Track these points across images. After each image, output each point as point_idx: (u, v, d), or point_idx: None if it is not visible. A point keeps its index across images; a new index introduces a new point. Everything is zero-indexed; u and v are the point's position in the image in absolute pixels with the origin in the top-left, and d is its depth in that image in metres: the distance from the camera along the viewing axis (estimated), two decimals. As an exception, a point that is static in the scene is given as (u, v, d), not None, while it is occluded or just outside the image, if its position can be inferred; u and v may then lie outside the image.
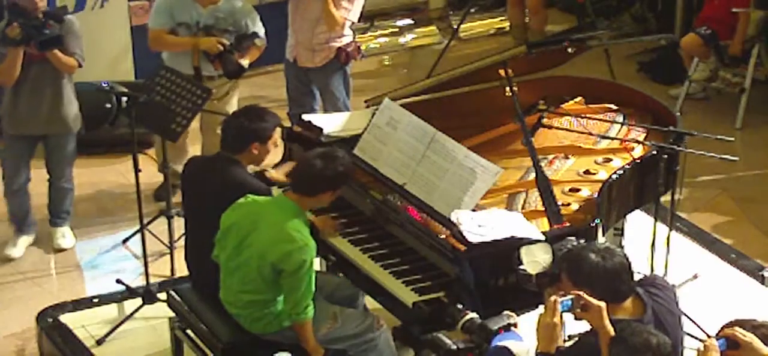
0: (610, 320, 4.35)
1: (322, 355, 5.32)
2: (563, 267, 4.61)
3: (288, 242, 5.12)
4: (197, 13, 7.18)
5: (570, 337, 4.79)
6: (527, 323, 4.71)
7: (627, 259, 4.57)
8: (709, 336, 4.36)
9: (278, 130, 5.67)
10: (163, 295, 6.26)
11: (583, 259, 4.53)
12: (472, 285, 5.04)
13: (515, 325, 4.70)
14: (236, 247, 5.28)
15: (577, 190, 5.66)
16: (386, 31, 10.30)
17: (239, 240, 5.27)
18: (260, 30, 7.31)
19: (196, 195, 5.69)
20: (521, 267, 4.94)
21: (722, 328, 4.34)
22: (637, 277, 4.67)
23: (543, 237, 5.08)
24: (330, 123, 6.06)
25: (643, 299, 4.59)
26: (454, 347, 4.86)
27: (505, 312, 4.76)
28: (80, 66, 7.05)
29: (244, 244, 5.26)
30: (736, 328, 4.28)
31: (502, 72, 5.79)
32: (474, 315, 4.82)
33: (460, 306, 4.91)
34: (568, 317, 4.43)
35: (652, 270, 5.96)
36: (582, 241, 5.05)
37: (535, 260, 4.91)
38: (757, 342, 4.25)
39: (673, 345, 4.50)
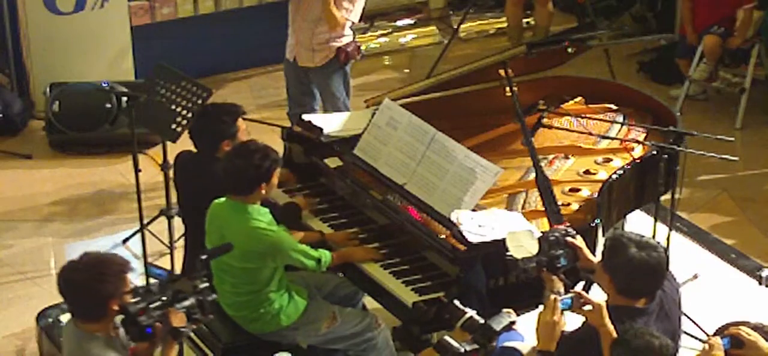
0: (611, 308, 4.34)
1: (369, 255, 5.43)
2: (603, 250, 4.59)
3: (256, 242, 5.18)
4: None
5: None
6: (527, 323, 4.71)
7: (666, 256, 4.53)
8: (710, 336, 4.37)
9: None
10: (163, 295, 6.25)
11: (622, 247, 4.50)
12: (472, 285, 5.04)
13: (513, 324, 4.69)
14: None
15: (577, 190, 5.66)
16: (386, 31, 10.28)
17: None
18: None
19: (186, 194, 5.71)
20: (508, 253, 4.88)
21: (725, 327, 4.34)
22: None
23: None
24: (330, 123, 6.05)
25: None
26: (462, 349, 4.85)
27: (505, 311, 4.75)
28: None
29: None
30: (741, 327, 4.29)
31: (502, 72, 5.80)
32: (474, 313, 4.81)
33: (460, 305, 4.90)
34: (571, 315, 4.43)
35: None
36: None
37: (520, 245, 4.87)
38: (762, 341, 4.25)
39: (673, 337, 4.51)
